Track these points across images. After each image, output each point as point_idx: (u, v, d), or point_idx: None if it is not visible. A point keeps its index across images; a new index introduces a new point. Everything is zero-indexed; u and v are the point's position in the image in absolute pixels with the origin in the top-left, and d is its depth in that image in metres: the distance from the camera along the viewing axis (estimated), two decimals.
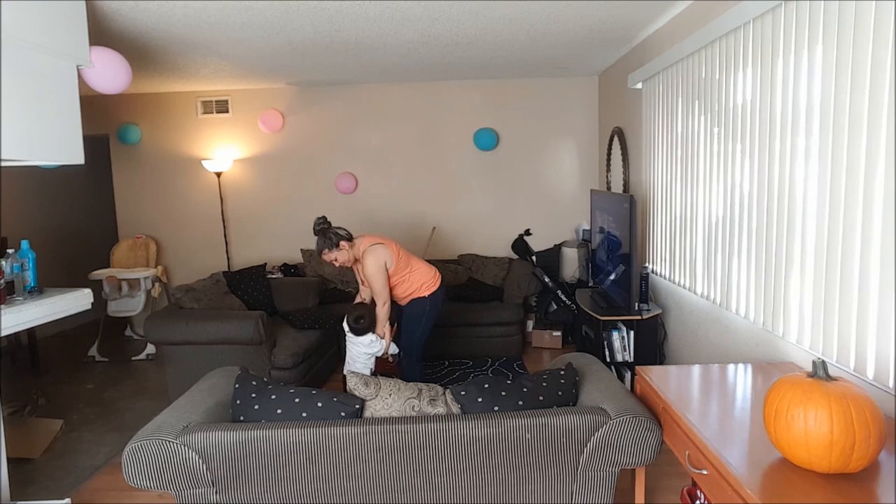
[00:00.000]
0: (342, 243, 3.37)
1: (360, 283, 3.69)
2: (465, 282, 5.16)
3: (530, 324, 5.39)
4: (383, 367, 4.26)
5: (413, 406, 2.13)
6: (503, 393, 2.12)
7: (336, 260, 3.39)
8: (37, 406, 4.03)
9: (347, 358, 3.52)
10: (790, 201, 2.32)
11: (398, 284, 3.52)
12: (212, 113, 5.70)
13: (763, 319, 2.56)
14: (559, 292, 4.98)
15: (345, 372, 3.52)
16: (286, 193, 5.79)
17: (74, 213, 6.56)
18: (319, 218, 3.39)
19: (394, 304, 3.61)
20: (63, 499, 2.68)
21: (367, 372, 3.48)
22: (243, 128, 5.71)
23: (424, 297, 3.54)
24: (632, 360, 3.70)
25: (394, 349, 3.56)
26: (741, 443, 1.68)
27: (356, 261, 3.51)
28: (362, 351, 3.44)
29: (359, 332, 3.39)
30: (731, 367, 2.35)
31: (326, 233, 3.37)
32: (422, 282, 3.55)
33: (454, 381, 4.40)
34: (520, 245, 5.53)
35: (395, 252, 3.48)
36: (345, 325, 3.49)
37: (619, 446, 2.03)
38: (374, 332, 3.44)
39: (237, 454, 1.96)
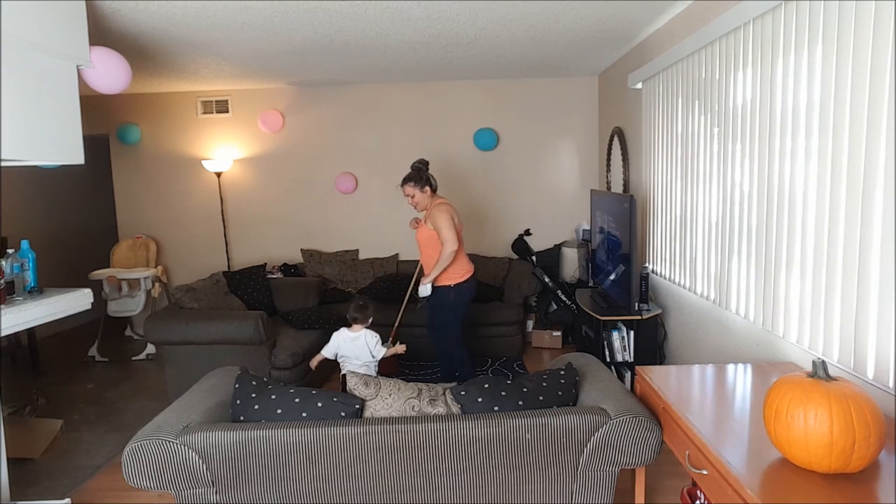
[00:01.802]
0: (427, 188, 3.66)
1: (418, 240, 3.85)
2: None
3: (530, 324, 5.39)
4: (383, 368, 4.25)
5: (413, 406, 2.13)
6: (503, 393, 2.12)
7: (413, 197, 3.68)
8: (37, 406, 4.03)
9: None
10: (790, 201, 2.32)
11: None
12: (212, 113, 5.70)
13: (763, 319, 2.56)
14: (559, 292, 4.98)
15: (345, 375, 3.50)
16: (286, 193, 5.79)
17: (74, 213, 6.56)
18: (424, 159, 3.74)
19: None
20: (63, 499, 2.68)
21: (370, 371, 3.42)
22: (243, 128, 5.71)
23: (449, 286, 3.65)
24: (632, 360, 3.70)
25: (427, 290, 3.68)
26: (741, 443, 1.68)
27: (424, 210, 3.77)
28: (368, 359, 3.37)
29: (363, 319, 3.36)
30: (730, 367, 2.35)
31: (421, 172, 3.69)
32: (455, 268, 3.66)
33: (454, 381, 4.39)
34: (520, 245, 5.52)
35: (459, 227, 3.70)
36: (338, 346, 3.41)
37: (619, 446, 2.03)
38: (377, 336, 3.40)
39: (237, 454, 1.96)
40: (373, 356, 3.36)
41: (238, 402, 2.10)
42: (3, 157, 2.25)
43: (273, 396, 2.10)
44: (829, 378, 1.50)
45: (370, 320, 3.40)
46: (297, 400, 2.08)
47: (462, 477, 2.04)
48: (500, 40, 4.01)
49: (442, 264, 3.56)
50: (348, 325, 3.41)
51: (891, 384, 1.80)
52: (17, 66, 2.28)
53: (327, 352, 3.41)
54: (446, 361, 3.87)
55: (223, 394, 2.31)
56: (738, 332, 2.83)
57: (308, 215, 5.79)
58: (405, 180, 3.68)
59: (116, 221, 5.90)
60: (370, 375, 2.26)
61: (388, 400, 2.14)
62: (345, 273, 5.50)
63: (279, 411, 2.06)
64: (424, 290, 3.67)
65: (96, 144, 5.61)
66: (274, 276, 5.13)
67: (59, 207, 6.33)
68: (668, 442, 2.02)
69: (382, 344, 3.43)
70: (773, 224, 2.44)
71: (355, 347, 3.35)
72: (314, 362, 3.47)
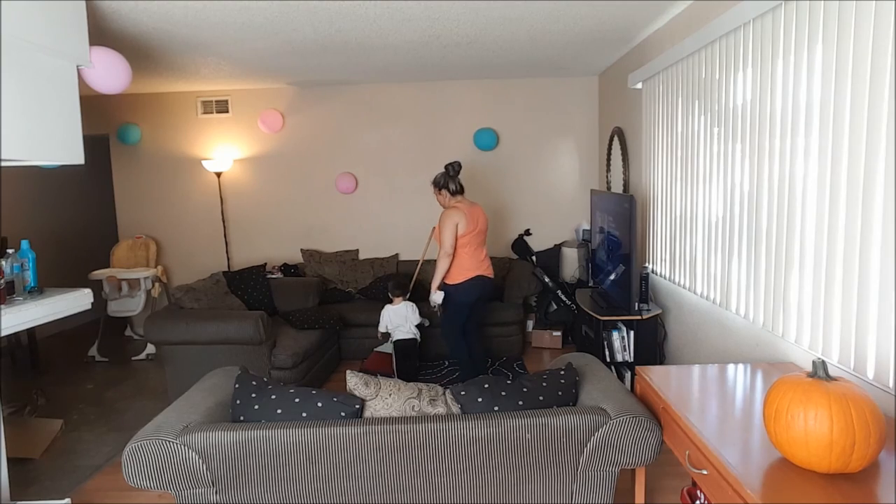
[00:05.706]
0: (443, 191, 3.89)
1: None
2: None
3: (530, 324, 5.39)
4: (381, 367, 4.27)
5: (413, 406, 2.13)
6: (503, 393, 2.12)
7: (436, 197, 3.98)
8: (37, 406, 4.03)
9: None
10: (790, 201, 2.32)
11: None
12: (212, 113, 5.70)
13: (763, 319, 2.56)
14: (559, 292, 4.98)
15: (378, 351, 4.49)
16: (286, 193, 5.79)
17: (74, 213, 6.56)
18: (458, 163, 3.86)
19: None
20: (63, 499, 2.68)
21: (416, 335, 4.32)
22: (243, 128, 5.71)
23: (448, 283, 3.85)
24: (632, 360, 3.70)
25: (438, 298, 3.89)
26: (741, 443, 1.68)
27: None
28: (414, 321, 4.29)
29: (403, 293, 4.32)
30: (730, 367, 2.35)
31: (440, 176, 3.93)
32: (456, 268, 3.82)
33: (454, 381, 4.39)
34: (520, 245, 5.52)
35: (472, 227, 3.77)
36: (389, 318, 4.30)
37: (619, 446, 2.03)
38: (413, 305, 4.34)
39: (237, 454, 1.96)
40: (410, 320, 4.28)
41: (238, 402, 2.10)
42: (3, 157, 2.25)
43: (273, 396, 2.10)
44: (829, 378, 1.50)
45: (408, 294, 4.35)
46: (297, 400, 2.08)
47: (462, 477, 2.04)
48: (500, 40, 4.01)
49: (439, 271, 3.79)
50: (390, 302, 4.36)
51: (891, 384, 1.81)
52: (17, 66, 2.28)
53: (382, 327, 4.31)
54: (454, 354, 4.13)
55: (223, 394, 2.31)
56: (738, 332, 2.83)
57: (308, 215, 5.79)
58: (433, 181, 3.96)
59: (116, 221, 5.90)
60: (370, 375, 2.26)
61: (388, 400, 2.14)
62: (345, 273, 5.50)
63: (279, 411, 2.06)
64: (435, 298, 3.87)
65: (96, 144, 5.62)
66: (274, 276, 5.13)
67: (59, 207, 6.33)
68: (668, 442, 2.02)
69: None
70: (773, 224, 2.44)
71: (398, 316, 4.26)
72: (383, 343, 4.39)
